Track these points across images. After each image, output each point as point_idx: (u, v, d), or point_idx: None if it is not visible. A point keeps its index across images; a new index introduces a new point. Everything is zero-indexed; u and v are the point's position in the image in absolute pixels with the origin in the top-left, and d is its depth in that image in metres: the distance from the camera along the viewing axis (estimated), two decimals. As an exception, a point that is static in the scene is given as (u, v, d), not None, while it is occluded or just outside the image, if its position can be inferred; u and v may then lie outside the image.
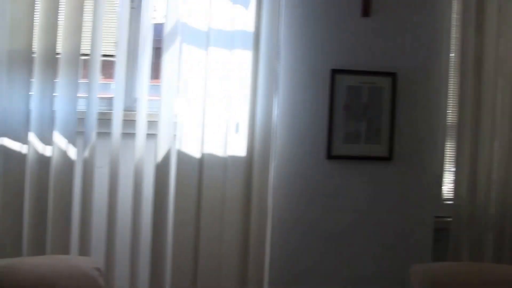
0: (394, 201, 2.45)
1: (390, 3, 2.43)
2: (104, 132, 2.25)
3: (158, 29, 2.36)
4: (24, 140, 2.19)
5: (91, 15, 2.26)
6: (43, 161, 2.21)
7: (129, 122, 2.28)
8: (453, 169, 2.53)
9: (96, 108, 2.25)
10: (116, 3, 2.35)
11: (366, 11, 2.39)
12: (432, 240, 2.47)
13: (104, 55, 2.30)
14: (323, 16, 2.40)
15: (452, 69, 2.55)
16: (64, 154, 2.23)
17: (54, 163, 2.22)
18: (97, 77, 2.25)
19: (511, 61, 2.50)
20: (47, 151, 2.21)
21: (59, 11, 2.22)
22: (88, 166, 2.24)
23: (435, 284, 2.08)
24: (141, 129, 2.26)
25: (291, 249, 2.40)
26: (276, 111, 2.36)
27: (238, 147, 2.33)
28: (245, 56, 2.33)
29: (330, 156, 2.37)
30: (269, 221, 2.35)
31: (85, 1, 2.25)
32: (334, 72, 2.36)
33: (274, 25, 2.35)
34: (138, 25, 2.29)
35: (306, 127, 2.37)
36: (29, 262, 1.95)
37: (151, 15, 2.30)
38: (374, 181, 2.43)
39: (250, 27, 2.34)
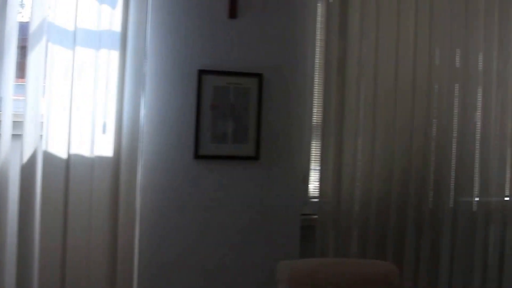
0: (261, 199, 3.65)
1: (257, 5, 3.62)
2: (-32, 133, 3.22)
3: (23, 27, 3.37)
4: None
5: (-48, 12, 3.19)
6: None
7: (-7, 122, 3.25)
8: (319, 168, 3.82)
9: (-41, 108, 3.21)
10: (-22, 1, 3.42)
11: (233, 13, 3.58)
12: (299, 237, 3.70)
13: (-33, 54, 3.29)
14: (190, 17, 3.54)
15: (317, 70, 3.86)
16: None
17: None
18: (-40, 77, 3.20)
19: (373, 62, 3.85)
20: None
21: None
22: (-49, 167, 3.17)
23: (300, 280, 3.15)
24: (6, 129, 3.27)
25: (160, 246, 3.51)
26: (143, 111, 3.47)
27: (105, 147, 3.44)
28: (112, 56, 3.44)
29: (197, 155, 3.52)
30: (137, 219, 3.46)
31: None
32: (201, 72, 3.52)
33: (141, 25, 3.49)
34: (3, 23, 3.28)
35: (173, 127, 3.50)
36: None
37: (16, 13, 3.31)
38: (242, 180, 3.61)
39: (117, 27, 3.45)
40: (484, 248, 4.27)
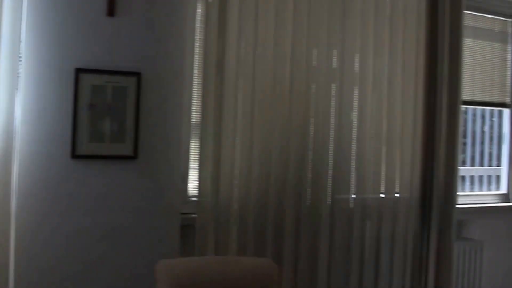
0: (140, 199, 3.81)
1: (136, 3, 3.78)
2: None
3: None
4: None
5: None
6: None
7: None
8: (198, 167, 4.06)
9: None
10: None
11: (111, 11, 3.72)
12: (179, 236, 3.91)
13: None
14: (67, 14, 3.65)
15: (196, 70, 4.07)
16: None
17: None
18: None
19: (252, 62, 4.11)
20: None
21: None
22: None
23: (179, 278, 3.36)
24: None
25: (38, 250, 3.59)
26: (18, 111, 3.57)
27: (-22, 148, 3.49)
28: (-15, 54, 3.51)
29: (74, 155, 3.65)
30: (13, 222, 3.56)
31: None
32: (78, 71, 3.64)
33: (16, 22, 3.58)
34: None
35: (49, 126, 3.61)
36: None
37: None
38: (120, 179, 3.77)
39: (-10, 24, 3.51)
40: (361, 243, 4.63)
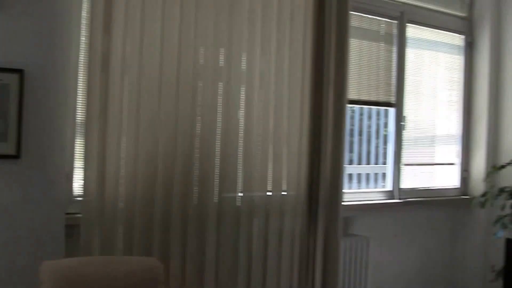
0: (24, 199, 3.85)
1: None
2: None
3: None
4: None
5: None
6: None
7: None
8: (83, 166, 4.11)
9: None
10: None
11: None
12: (64, 237, 3.98)
13: None
14: None
15: (81, 67, 4.14)
16: None
17: None
18: None
19: (138, 60, 4.21)
20: None
21: None
22: None
23: (64, 279, 3.44)
24: None
25: None
26: None
27: None
28: None
29: None
30: None
31: None
32: None
33: None
34: None
35: None
36: None
37: None
38: (2, 179, 3.80)
39: None
40: (249, 240, 4.81)
